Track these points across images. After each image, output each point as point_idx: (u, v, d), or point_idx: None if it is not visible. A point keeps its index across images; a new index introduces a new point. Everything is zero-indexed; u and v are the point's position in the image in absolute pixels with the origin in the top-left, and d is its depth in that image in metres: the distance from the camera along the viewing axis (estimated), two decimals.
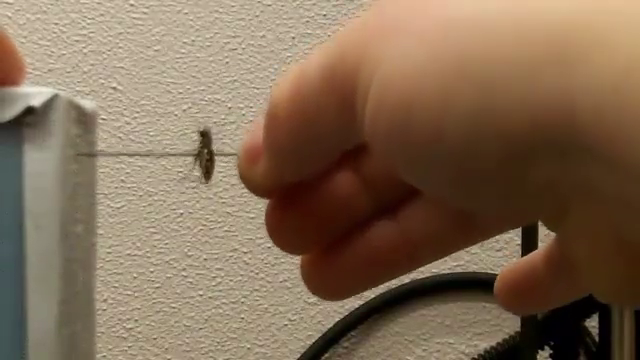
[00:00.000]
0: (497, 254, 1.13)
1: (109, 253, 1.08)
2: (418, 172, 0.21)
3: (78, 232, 0.31)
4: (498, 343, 1.07)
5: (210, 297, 1.10)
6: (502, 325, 1.13)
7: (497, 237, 1.15)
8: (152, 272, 1.09)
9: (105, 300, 1.07)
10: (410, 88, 0.19)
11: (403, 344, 1.13)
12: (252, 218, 1.09)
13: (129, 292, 1.09)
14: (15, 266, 0.29)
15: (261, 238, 1.09)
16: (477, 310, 1.14)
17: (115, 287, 1.08)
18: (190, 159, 0.30)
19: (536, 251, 0.28)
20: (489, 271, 1.12)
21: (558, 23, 0.18)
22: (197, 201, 1.09)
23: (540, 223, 0.23)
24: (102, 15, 1.08)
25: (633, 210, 0.17)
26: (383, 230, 0.26)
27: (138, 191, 1.09)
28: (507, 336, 1.07)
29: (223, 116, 1.09)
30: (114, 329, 1.08)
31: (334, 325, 1.10)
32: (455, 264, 1.12)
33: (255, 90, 1.10)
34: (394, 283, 1.08)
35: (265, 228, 0.27)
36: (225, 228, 1.10)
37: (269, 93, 0.23)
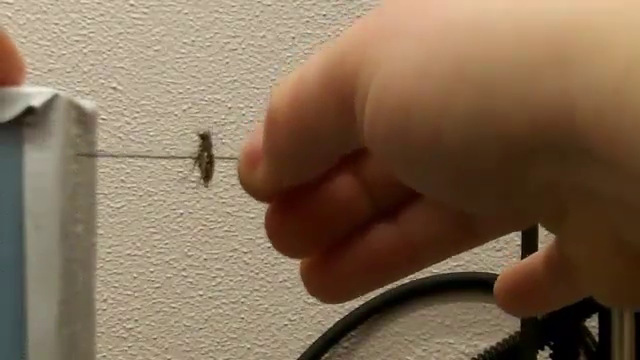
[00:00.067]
0: (497, 254, 1.13)
1: (109, 253, 1.08)
2: (417, 174, 0.21)
3: (78, 232, 0.31)
4: (498, 343, 1.07)
5: (210, 297, 1.10)
6: (502, 325, 1.13)
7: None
8: (152, 272, 1.09)
9: (105, 300, 1.07)
10: (409, 89, 0.19)
11: (403, 344, 1.13)
12: (252, 218, 1.09)
13: (129, 292, 1.09)
14: (15, 266, 0.29)
15: (261, 238, 1.09)
16: (477, 310, 1.14)
17: (115, 287, 1.08)
18: (190, 160, 0.30)
19: (536, 253, 0.28)
20: (489, 271, 1.12)
21: (558, 24, 0.17)
22: (197, 201, 1.09)
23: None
24: (102, 15, 1.08)
25: (633, 211, 0.17)
26: (383, 233, 0.26)
27: (138, 191, 1.09)
28: (507, 336, 1.07)
29: (223, 116, 1.09)
30: (114, 329, 1.08)
31: (334, 325, 1.10)
32: (455, 264, 1.12)
33: (255, 90, 1.10)
34: (394, 283, 1.08)
35: (265, 230, 0.27)
36: (225, 228, 1.10)
37: (269, 93, 0.24)
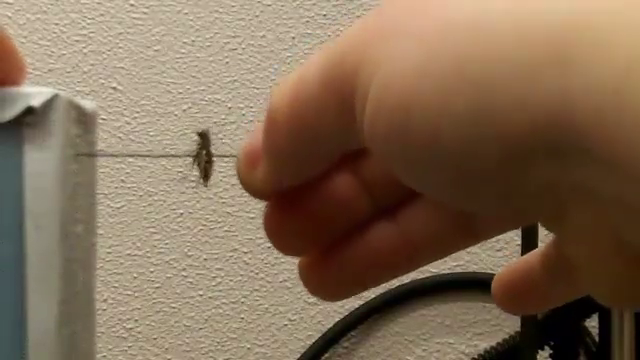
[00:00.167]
0: (497, 254, 1.13)
1: (109, 253, 1.08)
2: (417, 174, 0.21)
3: (78, 232, 0.31)
4: (498, 343, 1.07)
5: (210, 297, 1.10)
6: (502, 325, 1.13)
7: (497, 237, 1.15)
8: (152, 272, 1.09)
9: (105, 300, 1.07)
10: (409, 89, 0.19)
11: (403, 344, 1.13)
12: (252, 218, 1.09)
13: (129, 292, 1.09)
14: (15, 266, 0.29)
15: (261, 238, 1.09)
16: (477, 310, 1.14)
17: (115, 287, 1.08)
18: (189, 159, 0.30)
19: (533, 252, 0.28)
20: (489, 271, 1.12)
21: (558, 24, 0.17)
22: (197, 201, 1.09)
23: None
24: (102, 15, 1.08)
25: (632, 211, 0.17)
26: (383, 232, 0.26)
27: (138, 191, 1.09)
28: (507, 336, 1.07)
29: (223, 116, 1.09)
30: (114, 329, 1.08)
31: (334, 325, 1.10)
32: (455, 264, 1.12)
33: (255, 90, 1.10)
34: (394, 283, 1.08)
35: (264, 230, 0.27)
36: (225, 228, 1.10)
37: (269, 93, 0.24)
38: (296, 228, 0.26)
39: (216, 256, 1.10)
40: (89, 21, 1.08)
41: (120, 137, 1.08)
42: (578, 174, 0.18)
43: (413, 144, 0.20)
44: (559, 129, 0.17)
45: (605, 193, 0.18)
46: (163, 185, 1.08)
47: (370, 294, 1.09)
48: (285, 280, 1.10)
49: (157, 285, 1.09)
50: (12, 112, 0.29)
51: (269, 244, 0.26)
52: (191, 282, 1.10)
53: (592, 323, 0.97)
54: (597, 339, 0.96)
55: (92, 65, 1.08)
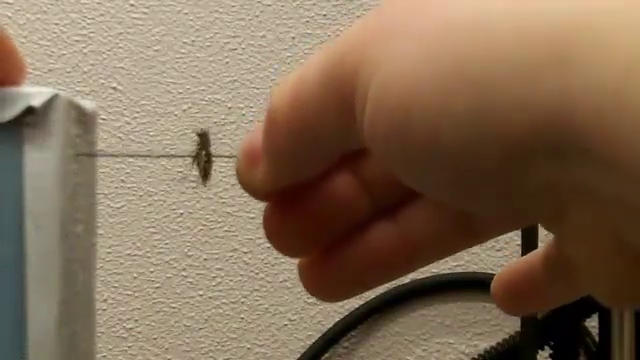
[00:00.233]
0: (497, 254, 1.13)
1: (109, 253, 1.08)
2: (417, 174, 0.21)
3: (78, 232, 0.31)
4: (498, 343, 1.07)
5: (210, 297, 1.10)
6: (502, 325, 1.13)
7: (497, 237, 1.15)
8: (152, 272, 1.09)
9: (105, 300, 1.07)
10: (409, 89, 0.19)
11: (403, 344, 1.13)
12: (252, 218, 1.09)
13: (129, 292, 1.09)
14: (15, 266, 0.29)
15: (261, 238, 1.08)
16: (477, 310, 1.14)
17: (115, 287, 1.08)
18: (189, 159, 0.30)
19: (533, 252, 0.28)
20: (489, 271, 1.12)
21: (558, 24, 0.17)
22: (197, 201, 1.09)
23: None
24: (102, 15, 1.08)
25: (632, 211, 0.17)
26: (382, 232, 0.26)
27: (138, 191, 1.09)
28: (507, 336, 1.07)
29: (223, 116, 1.09)
30: (114, 329, 1.08)
31: (334, 325, 1.10)
32: (455, 264, 1.12)
33: (255, 90, 1.10)
34: (394, 283, 1.08)
35: (263, 230, 0.27)
36: (225, 228, 1.10)
37: (269, 93, 0.24)
38: (296, 228, 0.26)
39: (216, 256, 1.10)
40: (89, 21, 1.08)
41: (120, 137, 1.08)
42: (578, 174, 0.18)
43: (413, 144, 0.20)
44: (559, 129, 0.17)
45: (605, 193, 0.18)
46: (163, 185, 1.08)
47: (370, 294, 1.09)
48: (285, 280, 1.10)
49: (157, 285, 1.09)
50: (12, 112, 0.29)
51: (269, 244, 0.26)
52: (191, 282, 1.10)
53: (592, 323, 0.97)
54: (597, 339, 0.96)
55: (92, 65, 1.08)
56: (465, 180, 0.20)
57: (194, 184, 0.30)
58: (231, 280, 1.10)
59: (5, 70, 0.29)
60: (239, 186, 0.26)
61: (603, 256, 0.21)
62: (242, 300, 1.10)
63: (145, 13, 1.09)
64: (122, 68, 1.08)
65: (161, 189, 1.09)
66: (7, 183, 0.29)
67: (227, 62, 1.10)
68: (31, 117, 0.29)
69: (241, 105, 1.10)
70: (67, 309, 0.30)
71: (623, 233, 0.19)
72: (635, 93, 0.16)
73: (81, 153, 0.31)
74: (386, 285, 1.07)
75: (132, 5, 1.09)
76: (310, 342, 1.10)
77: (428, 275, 1.10)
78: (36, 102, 0.29)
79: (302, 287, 0.27)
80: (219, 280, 1.10)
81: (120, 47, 1.08)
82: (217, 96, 1.10)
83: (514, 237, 1.07)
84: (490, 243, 1.12)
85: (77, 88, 1.07)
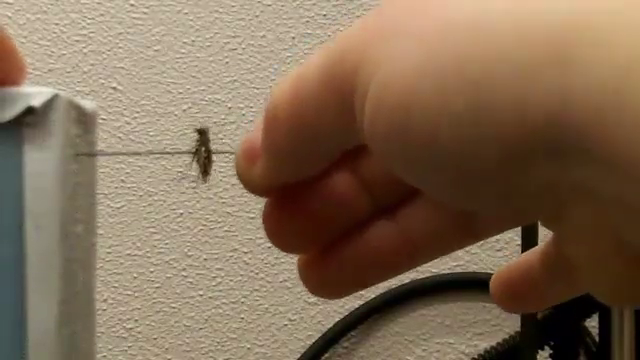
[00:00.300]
0: (497, 254, 1.13)
1: (109, 253, 1.08)
2: (417, 173, 0.21)
3: (78, 232, 0.31)
4: (498, 343, 1.07)
5: (210, 297, 1.10)
6: (502, 325, 1.13)
7: (497, 237, 1.15)
8: (152, 272, 1.09)
9: (105, 300, 1.07)
10: (409, 89, 0.19)
11: (403, 344, 1.13)
12: (252, 218, 1.09)
13: (129, 292, 1.09)
14: (15, 266, 0.29)
15: (261, 238, 1.09)
16: (477, 310, 1.14)
17: (115, 287, 1.08)
18: (188, 157, 0.30)
19: (531, 250, 0.28)
20: (489, 271, 1.12)
21: (558, 24, 0.17)
22: (197, 201, 1.09)
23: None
24: (102, 15, 1.08)
25: (632, 211, 0.17)
26: (382, 230, 0.26)
27: (138, 191, 1.09)
28: (507, 336, 1.07)
29: (223, 116, 1.09)
30: (114, 329, 1.08)
31: (334, 325, 1.10)
32: (455, 264, 1.12)
33: (255, 90, 1.10)
34: (394, 283, 1.08)
35: (263, 228, 0.27)
36: (225, 228, 1.10)
37: (269, 93, 0.24)
38: (296, 227, 0.26)
39: (216, 256, 1.10)
40: (89, 21, 1.08)
41: (120, 137, 1.08)
42: (578, 174, 0.18)
43: (413, 143, 0.20)
44: (559, 129, 0.17)
45: (605, 193, 0.18)
46: (163, 185, 1.08)
47: (370, 294, 1.09)
48: (285, 280, 1.10)
49: (157, 285, 1.09)
50: (12, 112, 0.29)
51: (269, 244, 0.26)
52: (191, 282, 1.10)
53: (592, 323, 0.97)
54: (597, 339, 0.96)
55: (92, 65, 1.08)
56: (465, 180, 0.20)
57: (194, 183, 0.30)
58: (231, 280, 1.10)
59: (5, 70, 0.29)
60: (239, 186, 0.26)
61: (603, 256, 0.21)
62: (242, 300, 1.10)
63: (145, 13, 1.09)
64: (122, 68, 1.08)
65: (161, 189, 1.09)
66: (7, 183, 0.29)
67: (227, 62, 1.10)
68: (31, 117, 0.29)
69: (241, 105, 1.10)
70: (67, 309, 0.30)
71: (623, 233, 0.19)
72: (635, 93, 0.16)
73: (81, 153, 0.31)
74: (386, 285, 1.08)
75: (132, 5, 1.09)
76: (310, 342, 1.10)
77: (428, 275, 1.10)
78: (36, 102, 0.29)
79: (302, 287, 0.27)
80: (219, 280, 1.10)
81: (120, 47, 1.08)
82: (217, 96, 1.10)
83: (514, 237, 1.07)
84: (490, 243, 1.12)
85: (77, 88, 1.07)
